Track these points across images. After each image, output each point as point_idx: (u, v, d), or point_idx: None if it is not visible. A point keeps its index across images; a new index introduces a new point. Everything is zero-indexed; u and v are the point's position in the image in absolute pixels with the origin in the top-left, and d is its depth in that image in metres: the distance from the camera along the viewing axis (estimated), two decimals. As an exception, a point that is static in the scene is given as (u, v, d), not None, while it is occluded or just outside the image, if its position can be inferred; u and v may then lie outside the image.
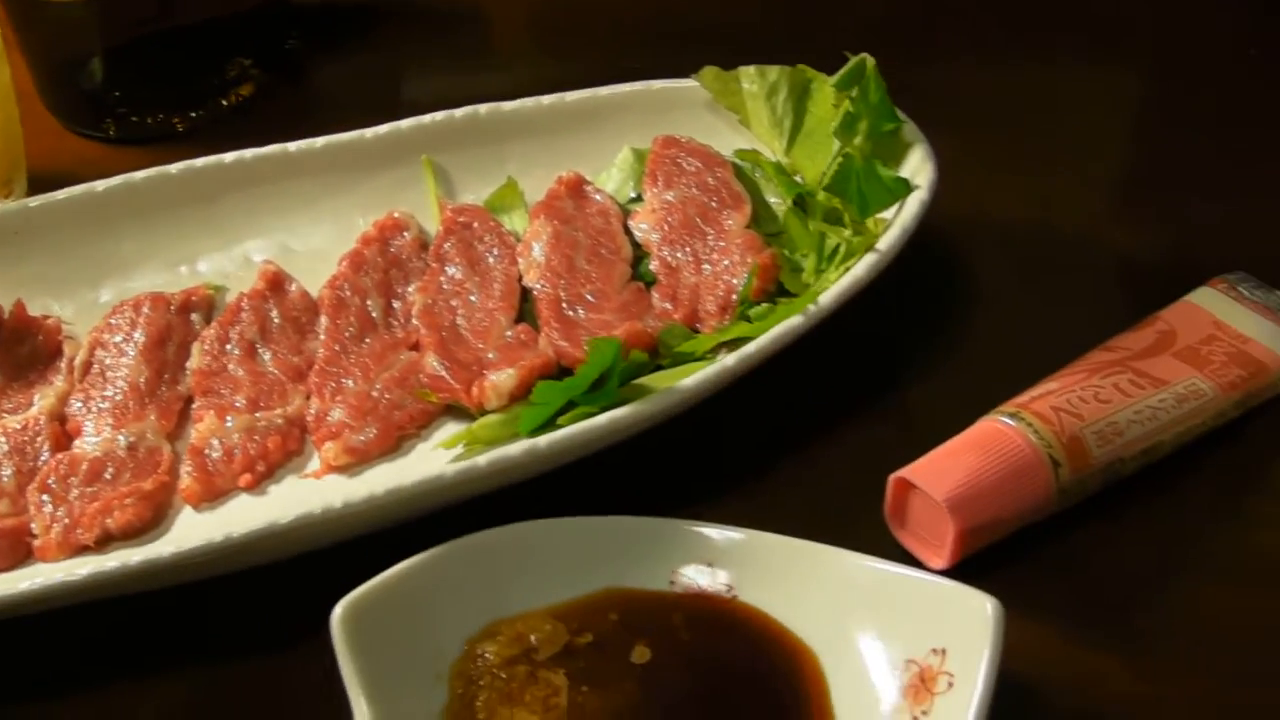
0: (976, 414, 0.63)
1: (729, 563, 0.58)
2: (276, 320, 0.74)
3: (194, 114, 0.90)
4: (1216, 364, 0.66)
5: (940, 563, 0.60)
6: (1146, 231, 0.78)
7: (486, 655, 0.56)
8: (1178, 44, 0.92)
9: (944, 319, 0.73)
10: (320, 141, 0.78)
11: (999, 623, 0.52)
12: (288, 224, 0.78)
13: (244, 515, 0.63)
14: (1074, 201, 0.80)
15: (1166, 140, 0.86)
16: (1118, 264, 0.76)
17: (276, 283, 0.75)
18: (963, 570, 0.59)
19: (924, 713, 0.53)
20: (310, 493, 0.65)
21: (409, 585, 0.56)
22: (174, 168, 0.77)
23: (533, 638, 0.57)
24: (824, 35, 0.91)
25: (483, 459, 0.61)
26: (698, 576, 0.58)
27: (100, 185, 0.76)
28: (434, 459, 0.65)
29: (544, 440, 0.61)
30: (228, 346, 0.72)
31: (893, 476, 0.61)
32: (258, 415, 0.69)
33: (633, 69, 0.79)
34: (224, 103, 0.91)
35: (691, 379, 0.63)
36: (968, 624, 0.53)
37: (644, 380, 0.65)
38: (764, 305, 0.68)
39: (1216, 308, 0.69)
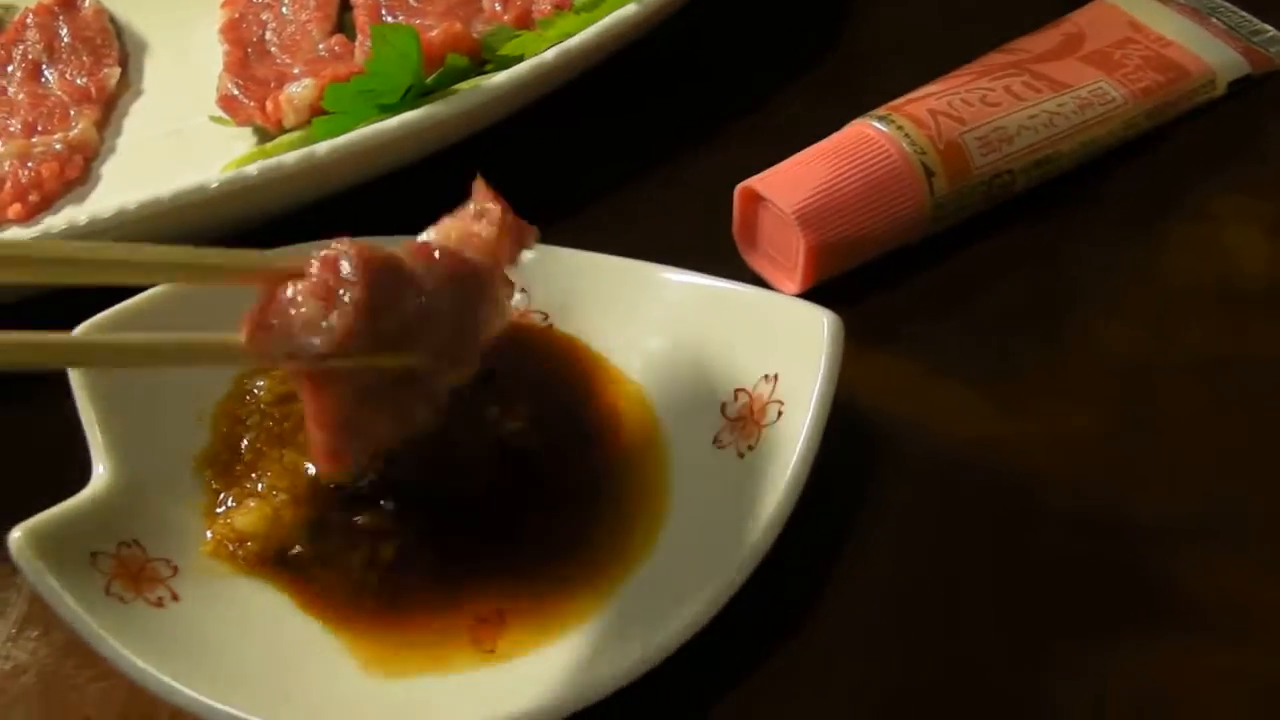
0: (848, 121, 0.55)
1: (545, 286, 0.51)
2: (66, 39, 0.66)
3: None
4: (1129, 67, 0.57)
5: (792, 286, 0.52)
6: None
7: (257, 391, 0.49)
8: None
9: (817, 8, 0.63)
10: None
11: (836, 340, 0.44)
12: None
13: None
14: None
15: None
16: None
17: (67, -3, 0.67)
18: (818, 297, 0.50)
19: (749, 448, 0.45)
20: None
21: (162, 310, 0.48)
22: None
23: (311, 370, 0.49)
24: None
25: (253, 167, 0.52)
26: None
27: None
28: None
29: (323, 146, 0.52)
30: (9, 68, 0.66)
31: (740, 186, 0.53)
32: (34, 140, 0.62)
33: None
34: None
35: (501, 76, 0.54)
36: (803, 344, 0.45)
37: (460, 86, 0.56)
38: (607, -7, 0.58)
39: (1136, 7, 0.60)
